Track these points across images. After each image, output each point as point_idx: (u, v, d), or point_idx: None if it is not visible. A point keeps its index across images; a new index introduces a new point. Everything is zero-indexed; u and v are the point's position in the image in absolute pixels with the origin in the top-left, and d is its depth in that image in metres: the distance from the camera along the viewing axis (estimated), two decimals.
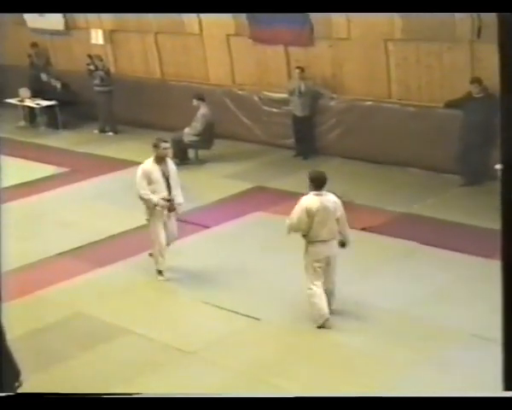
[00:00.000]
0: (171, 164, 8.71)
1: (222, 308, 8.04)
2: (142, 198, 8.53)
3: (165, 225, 8.64)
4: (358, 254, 8.73)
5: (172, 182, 8.57)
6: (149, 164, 8.54)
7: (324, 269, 7.50)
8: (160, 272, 8.74)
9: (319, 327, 7.47)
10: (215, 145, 13.13)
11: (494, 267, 8.69)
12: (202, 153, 13.19)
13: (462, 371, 6.70)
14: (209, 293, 8.39)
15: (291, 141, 13.11)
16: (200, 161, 13.13)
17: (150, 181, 8.44)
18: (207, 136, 13.00)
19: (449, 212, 10.12)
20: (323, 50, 12.70)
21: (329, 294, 7.60)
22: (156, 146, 8.55)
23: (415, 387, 6.49)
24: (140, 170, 8.54)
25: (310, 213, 7.28)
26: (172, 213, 8.68)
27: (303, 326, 7.65)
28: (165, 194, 8.49)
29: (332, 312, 7.57)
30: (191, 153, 13.20)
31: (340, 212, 7.51)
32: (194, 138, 12.95)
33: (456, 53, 11.23)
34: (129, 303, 8.30)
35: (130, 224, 10.37)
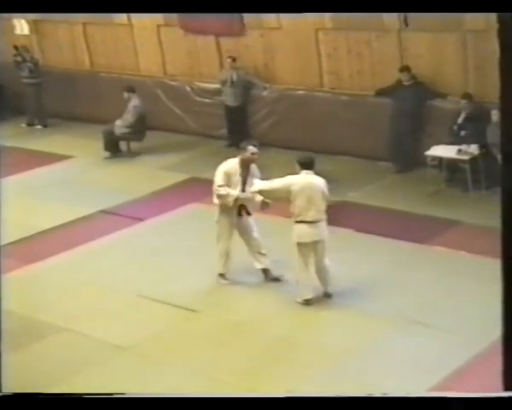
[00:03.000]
0: (254, 169, 8.00)
1: (158, 301, 7.96)
2: (219, 195, 7.92)
3: (242, 231, 8.09)
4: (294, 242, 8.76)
5: (249, 188, 7.89)
6: (232, 164, 7.97)
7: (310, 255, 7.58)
8: (221, 275, 8.16)
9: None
10: (147, 137, 12.97)
11: (426, 252, 8.92)
12: (134, 145, 13.00)
13: (398, 357, 6.79)
14: (144, 286, 8.28)
15: (224, 131, 13.06)
16: (132, 154, 12.95)
17: (229, 182, 7.88)
18: (139, 128, 12.83)
19: (383, 199, 10.25)
20: (255, 40, 12.66)
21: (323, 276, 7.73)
22: (243, 149, 7.99)
23: (351, 375, 6.55)
24: (222, 168, 7.96)
25: (292, 189, 7.36)
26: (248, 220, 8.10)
27: (239, 318, 7.64)
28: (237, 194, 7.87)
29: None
30: (123, 145, 13.00)
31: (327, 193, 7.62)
32: (126, 130, 12.77)
33: (384, 41, 11.36)
34: (62, 300, 8.12)
35: (59, 219, 10.16)
